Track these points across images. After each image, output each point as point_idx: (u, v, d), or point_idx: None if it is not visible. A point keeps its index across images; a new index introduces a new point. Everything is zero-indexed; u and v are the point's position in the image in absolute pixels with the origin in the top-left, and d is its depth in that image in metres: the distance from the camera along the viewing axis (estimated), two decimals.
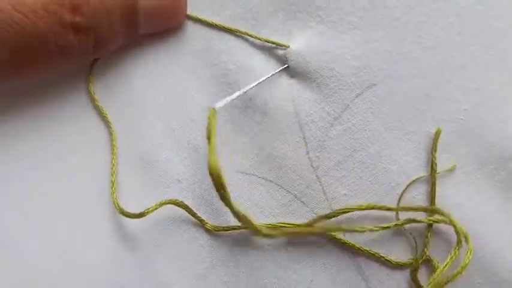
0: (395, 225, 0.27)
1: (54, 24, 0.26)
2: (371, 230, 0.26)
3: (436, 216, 0.28)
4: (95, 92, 0.31)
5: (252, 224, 0.24)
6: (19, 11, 0.25)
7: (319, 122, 0.30)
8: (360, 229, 0.26)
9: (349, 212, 0.28)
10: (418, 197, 0.29)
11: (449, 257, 0.26)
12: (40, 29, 0.26)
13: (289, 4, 0.30)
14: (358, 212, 0.29)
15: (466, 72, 0.29)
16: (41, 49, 0.26)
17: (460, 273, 0.26)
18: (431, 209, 0.28)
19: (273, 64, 0.31)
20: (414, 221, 0.27)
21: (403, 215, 0.28)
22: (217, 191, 0.22)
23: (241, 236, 0.30)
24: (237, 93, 0.27)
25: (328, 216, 0.28)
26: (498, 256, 0.28)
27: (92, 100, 0.31)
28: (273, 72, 0.30)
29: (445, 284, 0.26)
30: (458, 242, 0.27)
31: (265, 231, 0.25)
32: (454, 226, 0.27)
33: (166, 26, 0.31)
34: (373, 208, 0.28)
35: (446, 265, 0.26)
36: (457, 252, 0.26)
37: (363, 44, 0.29)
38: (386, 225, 0.27)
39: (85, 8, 0.26)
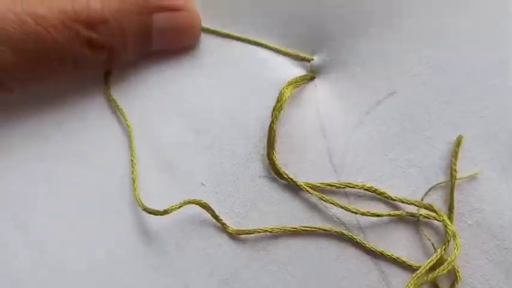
0: (388, 215, 0.29)
1: (71, 38, 0.28)
2: (362, 214, 0.29)
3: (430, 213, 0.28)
4: (113, 96, 0.31)
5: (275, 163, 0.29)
6: (41, 25, 0.27)
7: (341, 129, 0.30)
8: (354, 210, 0.29)
9: (351, 187, 0.29)
10: (437, 201, 0.29)
11: (434, 255, 0.27)
12: (58, 42, 0.27)
13: (313, 16, 0.31)
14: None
15: (487, 73, 0.29)
16: (57, 61, 0.28)
17: (443, 270, 0.26)
18: (425, 205, 0.29)
19: (298, 74, 0.31)
20: (405, 214, 0.29)
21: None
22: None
23: (265, 239, 0.30)
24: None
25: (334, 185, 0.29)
26: None
27: (109, 101, 0.31)
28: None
29: (431, 280, 0.27)
30: (446, 242, 0.27)
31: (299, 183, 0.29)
32: (445, 225, 0.27)
33: (180, 44, 0.32)
34: (371, 190, 0.29)
35: (427, 264, 0.27)
36: (442, 252, 0.27)
37: (383, 51, 0.30)
38: (379, 213, 0.29)
39: (101, 26, 0.28)
